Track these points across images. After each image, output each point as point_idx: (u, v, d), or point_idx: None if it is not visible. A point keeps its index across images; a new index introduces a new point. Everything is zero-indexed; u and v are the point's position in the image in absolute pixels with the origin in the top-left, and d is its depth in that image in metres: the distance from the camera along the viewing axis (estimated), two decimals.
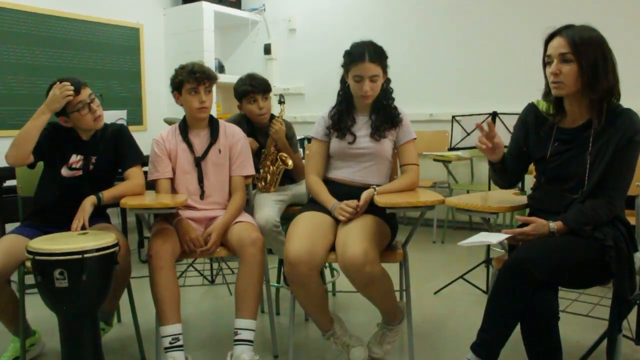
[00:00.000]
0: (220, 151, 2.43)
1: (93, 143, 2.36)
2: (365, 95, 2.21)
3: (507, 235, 1.81)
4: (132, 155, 2.40)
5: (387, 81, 2.29)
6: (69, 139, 2.34)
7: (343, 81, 2.32)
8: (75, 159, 2.34)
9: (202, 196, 2.42)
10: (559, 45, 1.80)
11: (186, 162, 2.41)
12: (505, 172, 2.05)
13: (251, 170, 2.50)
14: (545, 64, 1.87)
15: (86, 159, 2.34)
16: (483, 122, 1.96)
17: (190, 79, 2.33)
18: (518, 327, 1.76)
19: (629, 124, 1.78)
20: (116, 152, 2.39)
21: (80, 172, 2.34)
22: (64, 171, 2.33)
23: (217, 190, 2.44)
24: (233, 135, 2.48)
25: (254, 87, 2.75)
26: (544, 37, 1.87)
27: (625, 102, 1.85)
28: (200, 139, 2.44)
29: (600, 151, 1.80)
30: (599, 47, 1.77)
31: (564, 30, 1.81)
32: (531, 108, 2.05)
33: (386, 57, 2.24)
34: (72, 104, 2.23)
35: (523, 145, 2.02)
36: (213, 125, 2.46)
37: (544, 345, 1.71)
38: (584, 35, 1.78)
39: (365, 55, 2.17)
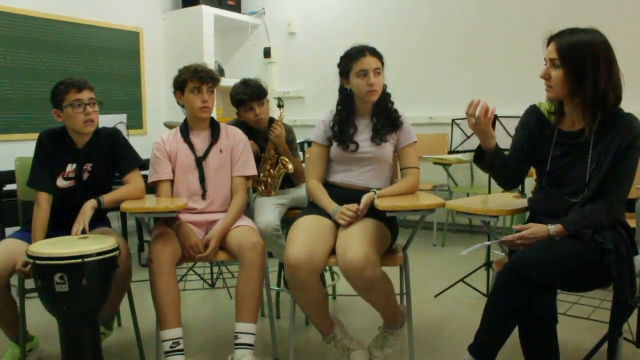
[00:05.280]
0: (221, 151, 2.44)
1: (87, 150, 2.34)
2: (372, 90, 2.20)
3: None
4: (129, 159, 2.39)
5: (384, 86, 2.29)
6: (64, 147, 2.31)
7: (341, 90, 2.31)
8: (71, 169, 2.31)
9: (203, 196, 2.42)
10: (550, 50, 1.83)
11: (187, 162, 2.41)
12: (498, 167, 2.02)
13: (253, 171, 2.50)
14: None
15: (79, 168, 2.32)
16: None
17: (194, 78, 2.34)
18: (517, 330, 1.75)
19: (629, 129, 1.78)
20: (113, 157, 2.37)
21: (73, 182, 2.32)
22: (60, 182, 2.31)
23: (218, 190, 2.44)
24: (234, 136, 2.48)
25: (248, 95, 2.74)
26: (543, 40, 1.88)
27: (626, 106, 1.85)
28: (201, 139, 2.44)
29: (601, 156, 1.80)
30: (589, 53, 1.75)
31: (559, 36, 1.82)
32: (533, 110, 2.04)
33: (383, 57, 2.25)
34: (68, 99, 2.22)
35: (524, 146, 2.02)
36: (214, 126, 2.47)
37: (542, 348, 1.71)
38: (574, 40, 1.77)
39: (365, 50, 2.21)
